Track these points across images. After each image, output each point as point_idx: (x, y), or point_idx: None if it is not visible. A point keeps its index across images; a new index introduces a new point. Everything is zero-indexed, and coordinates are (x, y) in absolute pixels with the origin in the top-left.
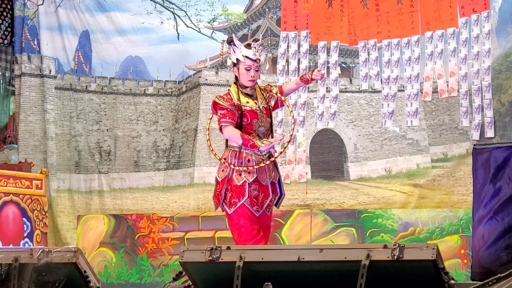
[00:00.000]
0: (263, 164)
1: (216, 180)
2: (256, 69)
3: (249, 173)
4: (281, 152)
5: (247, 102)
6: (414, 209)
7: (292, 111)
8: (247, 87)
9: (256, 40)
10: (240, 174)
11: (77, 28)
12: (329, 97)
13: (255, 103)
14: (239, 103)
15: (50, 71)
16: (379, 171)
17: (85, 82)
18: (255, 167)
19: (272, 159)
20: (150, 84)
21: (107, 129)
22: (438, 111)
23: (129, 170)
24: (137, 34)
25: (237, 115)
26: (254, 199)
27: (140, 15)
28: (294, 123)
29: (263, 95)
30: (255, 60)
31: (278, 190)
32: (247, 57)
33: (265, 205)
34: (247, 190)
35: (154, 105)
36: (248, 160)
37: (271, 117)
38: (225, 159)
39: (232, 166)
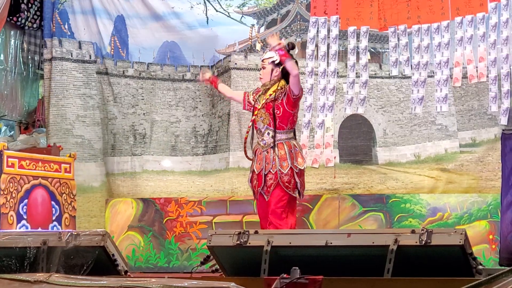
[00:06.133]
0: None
1: None
2: (262, 67)
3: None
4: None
5: (260, 98)
6: (442, 194)
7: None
8: (262, 84)
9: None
10: None
11: (111, 13)
12: (358, 83)
13: (262, 99)
14: (257, 98)
15: (90, 56)
16: (408, 156)
17: (122, 67)
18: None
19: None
20: (188, 69)
21: (144, 113)
22: (467, 97)
23: (165, 154)
24: (170, 19)
25: (251, 103)
26: (253, 188)
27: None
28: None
29: (274, 92)
30: (262, 60)
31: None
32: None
33: (258, 193)
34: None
35: (192, 90)
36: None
37: (274, 112)
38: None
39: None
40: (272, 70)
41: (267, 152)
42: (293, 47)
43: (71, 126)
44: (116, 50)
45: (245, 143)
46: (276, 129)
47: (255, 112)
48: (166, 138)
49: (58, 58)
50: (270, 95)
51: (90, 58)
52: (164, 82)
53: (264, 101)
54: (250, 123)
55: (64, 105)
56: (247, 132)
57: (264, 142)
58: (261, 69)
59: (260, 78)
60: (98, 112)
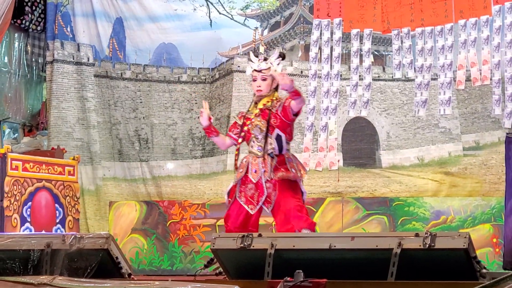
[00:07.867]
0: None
1: None
2: (262, 78)
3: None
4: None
5: (252, 109)
6: (446, 197)
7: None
8: (257, 96)
9: (258, 54)
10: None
11: (111, 15)
12: (362, 85)
13: (255, 108)
14: (246, 112)
15: (88, 58)
16: (411, 160)
17: (120, 70)
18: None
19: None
20: (184, 71)
21: (144, 117)
22: (471, 100)
23: (167, 158)
24: (170, 21)
25: (238, 132)
26: (250, 198)
27: (172, 1)
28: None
29: (270, 101)
30: (259, 71)
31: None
32: (254, 69)
33: (261, 202)
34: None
35: (188, 92)
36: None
37: (270, 120)
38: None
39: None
40: (272, 81)
41: (264, 159)
42: (284, 57)
43: (72, 129)
44: (114, 52)
45: (235, 160)
46: (270, 135)
47: (247, 123)
48: (165, 141)
49: (60, 60)
50: (265, 104)
51: (88, 60)
52: (160, 84)
53: (258, 110)
54: (238, 146)
55: (65, 107)
56: (237, 150)
57: (259, 148)
58: (256, 80)
59: (259, 90)
60: (94, 114)
